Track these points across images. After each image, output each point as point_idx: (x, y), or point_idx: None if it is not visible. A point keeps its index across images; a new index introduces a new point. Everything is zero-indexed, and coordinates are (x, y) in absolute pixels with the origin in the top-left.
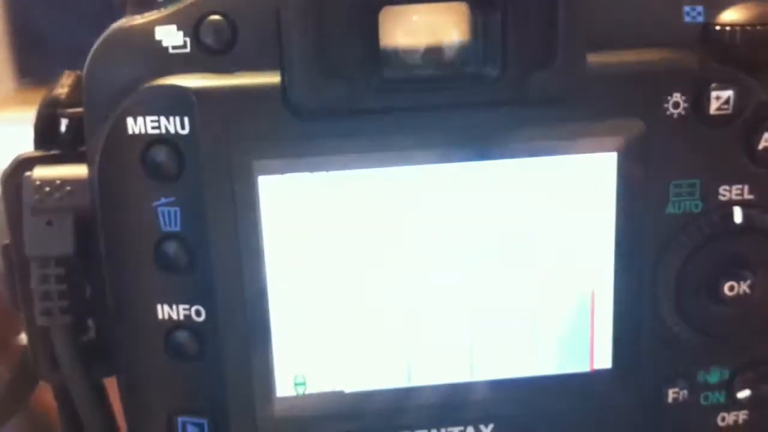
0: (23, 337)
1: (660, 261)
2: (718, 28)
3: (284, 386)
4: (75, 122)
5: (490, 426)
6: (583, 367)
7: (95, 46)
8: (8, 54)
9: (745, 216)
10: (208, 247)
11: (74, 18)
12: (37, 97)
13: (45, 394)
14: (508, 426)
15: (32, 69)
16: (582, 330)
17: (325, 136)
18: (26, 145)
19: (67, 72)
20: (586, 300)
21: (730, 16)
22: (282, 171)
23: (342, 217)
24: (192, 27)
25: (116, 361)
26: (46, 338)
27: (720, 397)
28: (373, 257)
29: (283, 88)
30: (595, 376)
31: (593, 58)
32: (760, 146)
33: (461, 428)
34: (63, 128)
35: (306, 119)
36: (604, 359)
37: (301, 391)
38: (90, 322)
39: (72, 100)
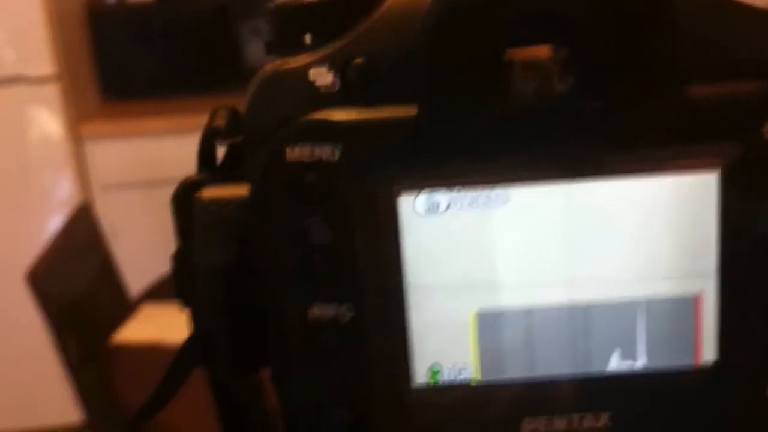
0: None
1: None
2: None
3: (420, 376)
4: (231, 150)
5: (607, 414)
6: (688, 362)
7: (255, 83)
8: (93, 73)
9: None
10: (352, 254)
11: (149, 40)
12: (118, 110)
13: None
14: (623, 414)
15: (115, 87)
16: (687, 327)
17: (454, 156)
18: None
19: (220, 106)
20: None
21: None
22: (416, 188)
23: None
24: (340, 68)
25: (271, 359)
26: (207, 335)
27: None
28: (495, 261)
29: (418, 118)
30: (699, 371)
31: (695, 90)
32: None
33: (581, 414)
34: (219, 155)
35: (437, 144)
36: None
37: (435, 380)
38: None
39: (228, 130)
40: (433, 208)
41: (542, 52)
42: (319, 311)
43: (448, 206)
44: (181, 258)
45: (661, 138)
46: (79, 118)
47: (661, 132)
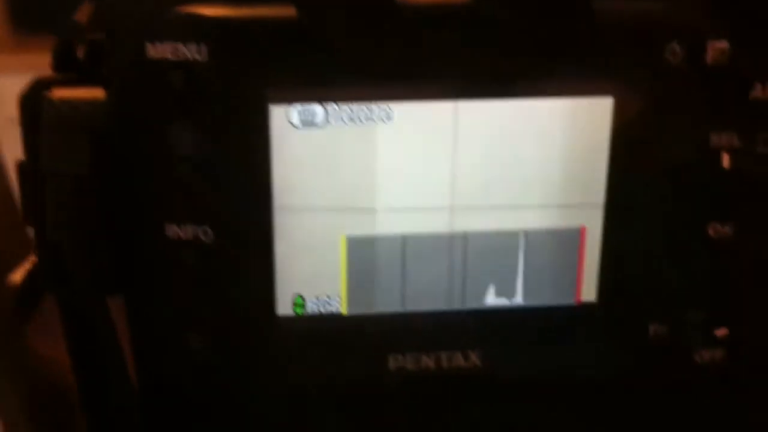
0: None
1: (651, 203)
2: None
3: (284, 306)
4: (93, 48)
5: (477, 351)
6: (569, 300)
7: None
8: (4, 2)
9: (732, 162)
10: (219, 169)
11: None
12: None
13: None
14: (493, 352)
15: (28, 17)
16: (570, 264)
17: (335, 65)
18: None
19: (86, 2)
20: (576, 235)
21: None
22: (293, 101)
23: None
24: None
25: (123, 280)
26: (56, 253)
27: (698, 334)
28: (373, 185)
29: (297, 20)
30: (581, 309)
31: (599, 5)
32: (752, 96)
33: (450, 353)
34: (81, 54)
35: (318, 50)
36: (589, 293)
37: (300, 311)
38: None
39: (90, 27)
40: (308, 121)
41: None
42: (180, 230)
43: (326, 120)
44: (27, 167)
45: (560, 57)
46: None
47: (560, 50)
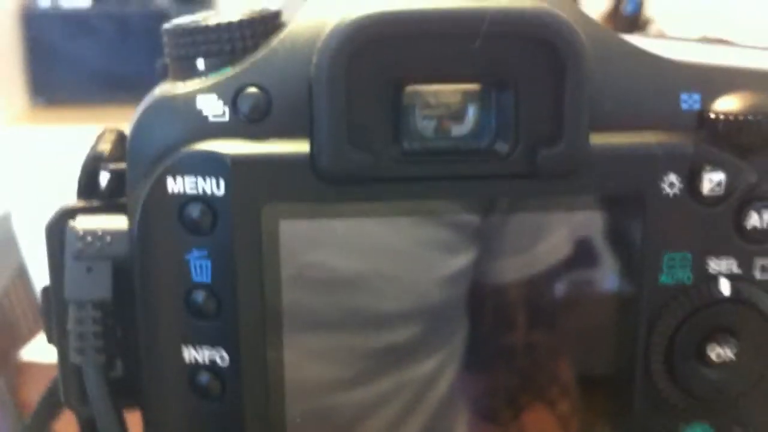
0: (23, 353)
1: (654, 327)
2: (712, 116)
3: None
4: (116, 177)
5: None
6: None
7: (141, 108)
8: (23, 72)
9: (732, 288)
10: (234, 297)
11: (86, 41)
12: (49, 114)
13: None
14: None
15: (45, 88)
16: None
17: (348, 200)
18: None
19: (108, 128)
20: None
21: (724, 105)
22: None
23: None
24: (231, 97)
25: (141, 398)
26: (77, 374)
27: None
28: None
29: (311, 155)
30: None
31: (596, 138)
32: (749, 224)
33: None
34: (104, 182)
35: (331, 185)
36: None
37: None
38: (119, 362)
39: (114, 155)
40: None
41: (449, 90)
42: (195, 354)
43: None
44: (52, 293)
45: (563, 188)
46: (5, 121)
47: (562, 181)
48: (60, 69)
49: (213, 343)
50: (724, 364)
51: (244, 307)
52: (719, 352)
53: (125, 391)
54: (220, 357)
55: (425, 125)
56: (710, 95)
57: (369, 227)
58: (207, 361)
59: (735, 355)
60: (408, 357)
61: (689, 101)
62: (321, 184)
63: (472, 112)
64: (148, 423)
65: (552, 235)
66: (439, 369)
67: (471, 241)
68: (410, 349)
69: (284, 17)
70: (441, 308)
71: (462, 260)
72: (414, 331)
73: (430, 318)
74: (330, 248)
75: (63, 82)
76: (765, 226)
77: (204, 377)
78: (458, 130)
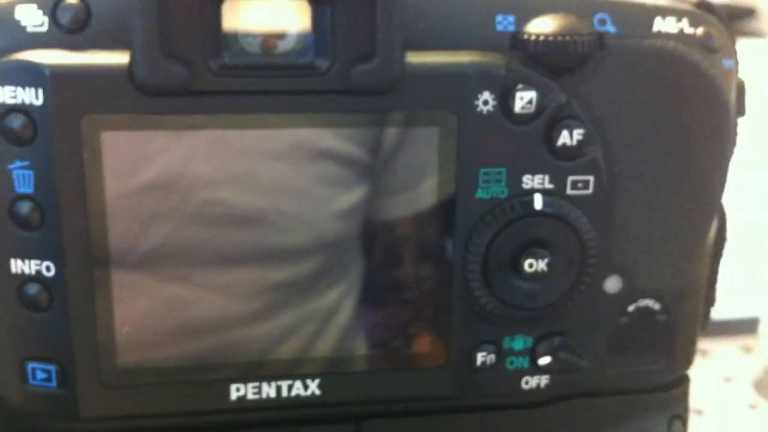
0: None
1: (470, 239)
2: (525, 36)
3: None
4: None
5: (318, 380)
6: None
7: None
8: None
9: (544, 202)
10: (57, 207)
11: None
12: None
13: None
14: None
15: None
16: None
17: (167, 112)
18: None
19: None
20: None
21: (537, 26)
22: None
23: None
24: (50, 8)
25: None
26: None
27: (524, 362)
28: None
29: (130, 66)
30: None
31: (412, 57)
32: (559, 142)
33: (290, 382)
34: None
35: (150, 96)
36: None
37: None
38: None
39: None
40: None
41: (271, 4)
42: (22, 265)
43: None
44: None
45: (380, 104)
46: None
47: (378, 97)
48: None
49: (39, 255)
50: (536, 275)
51: (67, 219)
52: (532, 263)
53: None
54: (46, 267)
55: (249, 41)
56: (524, 17)
57: (195, 139)
58: (33, 272)
59: (547, 266)
60: (310, 290)
61: (504, 22)
62: (140, 96)
63: (292, 28)
64: None
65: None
66: (339, 301)
67: (361, 177)
68: (313, 282)
69: None
70: (338, 242)
71: (354, 196)
72: (314, 265)
73: (329, 252)
74: (161, 159)
75: None
76: (574, 143)
77: (31, 288)
78: (282, 46)
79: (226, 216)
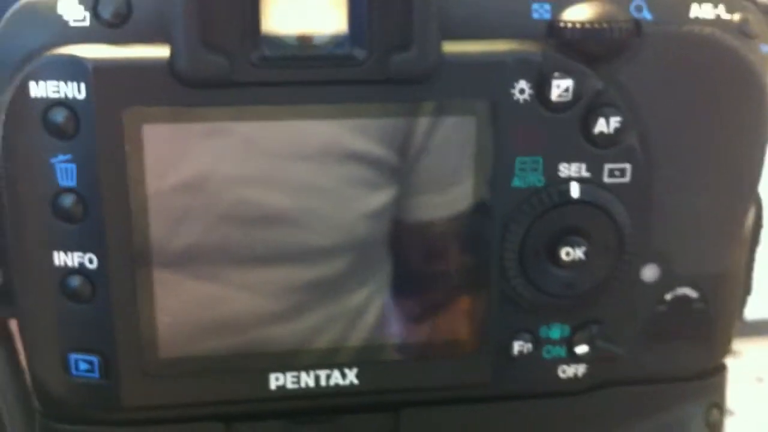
0: None
1: (507, 228)
2: (561, 24)
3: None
4: None
5: (355, 369)
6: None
7: (6, 16)
8: None
9: (581, 191)
10: (99, 201)
11: None
12: None
13: None
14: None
15: None
16: None
17: (207, 104)
18: None
19: None
20: None
21: (573, 14)
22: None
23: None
24: (92, 3)
25: (17, 304)
26: None
27: (561, 351)
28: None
29: (170, 59)
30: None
31: (448, 46)
32: (596, 130)
33: (328, 371)
34: None
35: (191, 88)
36: None
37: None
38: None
39: None
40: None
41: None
42: (65, 258)
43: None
44: None
45: (417, 94)
46: None
47: (415, 87)
48: None
49: (81, 247)
50: (573, 263)
51: (109, 212)
52: (569, 251)
53: (7, 300)
54: (89, 260)
55: (287, 33)
56: (560, 4)
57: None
58: (76, 265)
59: (584, 254)
60: (338, 289)
61: (540, 10)
62: (181, 88)
63: (330, 18)
64: (22, 328)
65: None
66: (367, 301)
67: (391, 178)
68: (340, 282)
69: None
70: (367, 242)
71: (383, 197)
72: (341, 265)
73: (356, 252)
74: (198, 156)
75: None
76: (611, 131)
77: (74, 280)
78: (318, 37)
79: (255, 216)
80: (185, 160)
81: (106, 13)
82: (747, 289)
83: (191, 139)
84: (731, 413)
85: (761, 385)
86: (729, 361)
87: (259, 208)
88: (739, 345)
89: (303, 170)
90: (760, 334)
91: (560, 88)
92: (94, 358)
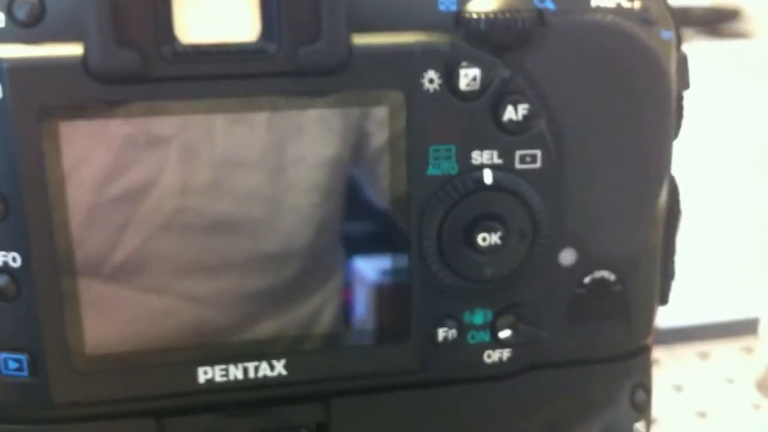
0: None
1: (425, 215)
2: (467, 15)
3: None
4: None
5: (283, 360)
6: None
7: None
8: None
9: (494, 177)
10: (21, 199)
11: None
12: None
13: None
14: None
15: None
16: None
17: (123, 100)
18: None
19: None
20: None
21: (478, 5)
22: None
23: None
24: (6, 3)
25: None
26: None
27: (485, 336)
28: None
29: (84, 56)
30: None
31: (358, 39)
32: (505, 117)
33: (256, 363)
34: None
35: (105, 84)
36: None
37: None
38: None
39: None
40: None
41: None
42: None
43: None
44: None
45: (328, 85)
46: None
47: (326, 78)
48: None
49: (4, 246)
50: (491, 249)
51: (31, 210)
52: (485, 237)
53: None
54: (13, 258)
55: (198, 26)
56: None
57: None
58: (0, 263)
59: (501, 239)
60: (289, 298)
61: (446, 2)
62: (96, 85)
63: (243, 13)
64: None
65: None
66: (321, 307)
67: (331, 179)
68: (290, 290)
69: None
70: (314, 246)
71: (324, 197)
72: (291, 273)
73: (307, 257)
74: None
75: None
76: (520, 118)
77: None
78: (230, 31)
79: (197, 224)
80: (106, 158)
81: (21, 13)
82: (669, 273)
83: (113, 144)
84: (703, 415)
85: (731, 386)
86: (698, 363)
87: (199, 216)
88: (708, 347)
89: (243, 177)
90: (729, 336)
91: (468, 77)
92: (22, 357)
